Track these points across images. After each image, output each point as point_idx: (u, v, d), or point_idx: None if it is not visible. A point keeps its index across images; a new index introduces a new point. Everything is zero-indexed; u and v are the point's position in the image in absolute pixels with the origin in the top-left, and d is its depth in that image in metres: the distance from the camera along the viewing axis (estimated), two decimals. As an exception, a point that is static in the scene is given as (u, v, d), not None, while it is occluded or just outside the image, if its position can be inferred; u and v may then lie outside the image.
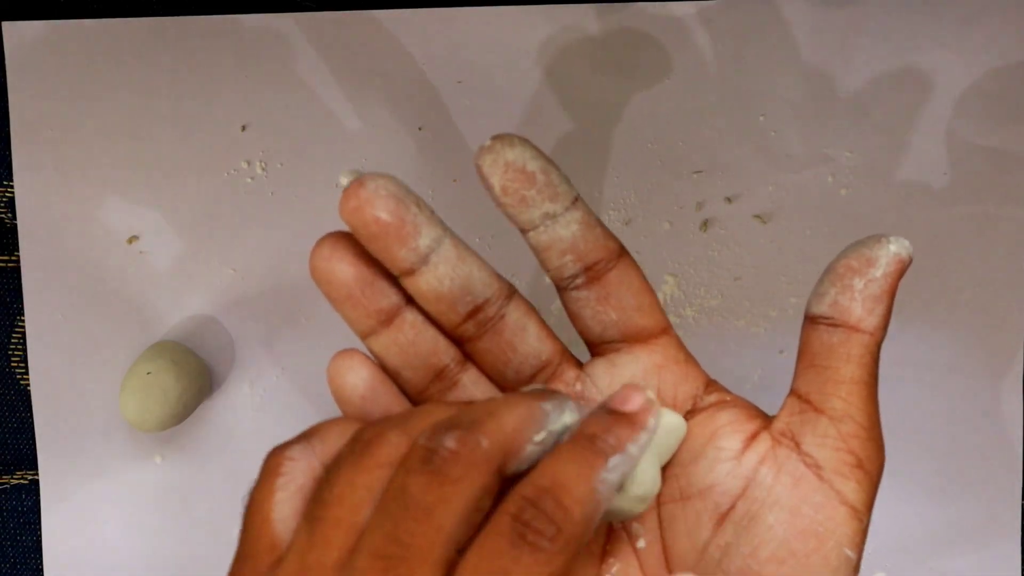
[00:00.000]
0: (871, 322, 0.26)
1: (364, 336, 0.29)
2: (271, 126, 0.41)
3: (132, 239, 0.41)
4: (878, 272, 0.26)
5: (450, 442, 0.22)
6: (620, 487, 0.25)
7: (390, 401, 0.29)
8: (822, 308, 0.27)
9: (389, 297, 0.28)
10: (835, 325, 0.26)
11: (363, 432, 0.24)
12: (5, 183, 0.41)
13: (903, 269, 0.27)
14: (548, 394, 0.25)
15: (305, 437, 0.25)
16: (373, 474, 0.23)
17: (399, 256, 0.27)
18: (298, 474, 0.24)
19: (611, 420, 0.25)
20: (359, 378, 0.28)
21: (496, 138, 0.26)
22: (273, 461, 0.25)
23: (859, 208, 0.41)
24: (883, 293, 0.26)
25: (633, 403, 0.25)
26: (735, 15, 0.40)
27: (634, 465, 0.25)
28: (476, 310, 0.28)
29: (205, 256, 0.41)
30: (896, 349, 0.42)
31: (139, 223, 0.41)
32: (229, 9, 0.40)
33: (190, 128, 0.40)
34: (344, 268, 0.27)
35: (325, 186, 0.41)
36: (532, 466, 0.24)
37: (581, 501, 0.23)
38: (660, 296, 0.41)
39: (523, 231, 0.28)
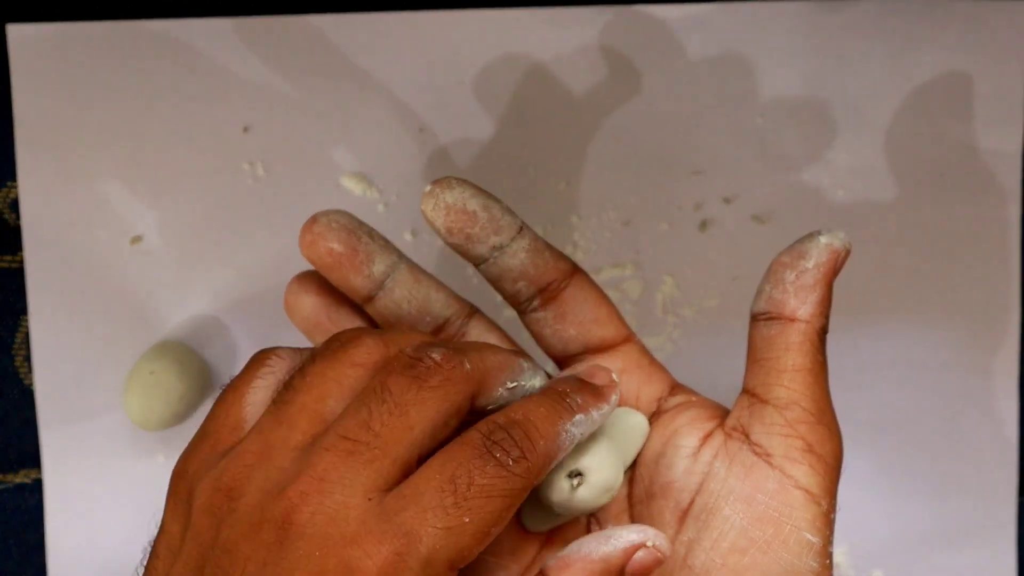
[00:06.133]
0: (806, 310, 0.27)
1: None
2: (273, 128, 0.41)
3: (135, 240, 0.41)
4: (809, 263, 0.27)
5: (436, 354, 0.24)
6: (580, 479, 0.26)
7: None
8: (760, 305, 0.28)
9: (354, 322, 0.30)
10: (772, 318, 0.27)
11: (341, 334, 0.26)
12: (9, 184, 0.41)
13: (838, 259, 0.27)
14: (525, 355, 0.27)
15: (296, 349, 0.27)
16: (345, 371, 0.24)
17: (356, 284, 0.28)
18: (281, 371, 0.26)
19: (579, 384, 0.26)
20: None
21: (435, 183, 0.28)
22: (261, 356, 0.26)
23: (856, 209, 0.42)
24: (815, 282, 0.27)
25: (599, 379, 0.27)
26: (733, 17, 0.41)
27: (594, 427, 0.26)
28: (437, 330, 0.30)
29: (208, 257, 0.41)
30: (892, 348, 0.42)
31: (142, 224, 0.41)
32: (231, 12, 0.40)
33: (193, 130, 0.41)
34: (310, 299, 0.30)
35: (326, 188, 0.41)
36: (499, 407, 0.25)
37: (546, 438, 0.24)
38: (659, 296, 0.42)
39: (475, 265, 0.29)
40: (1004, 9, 0.41)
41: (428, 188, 0.28)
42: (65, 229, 0.41)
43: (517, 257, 0.28)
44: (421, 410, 0.23)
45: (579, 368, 0.28)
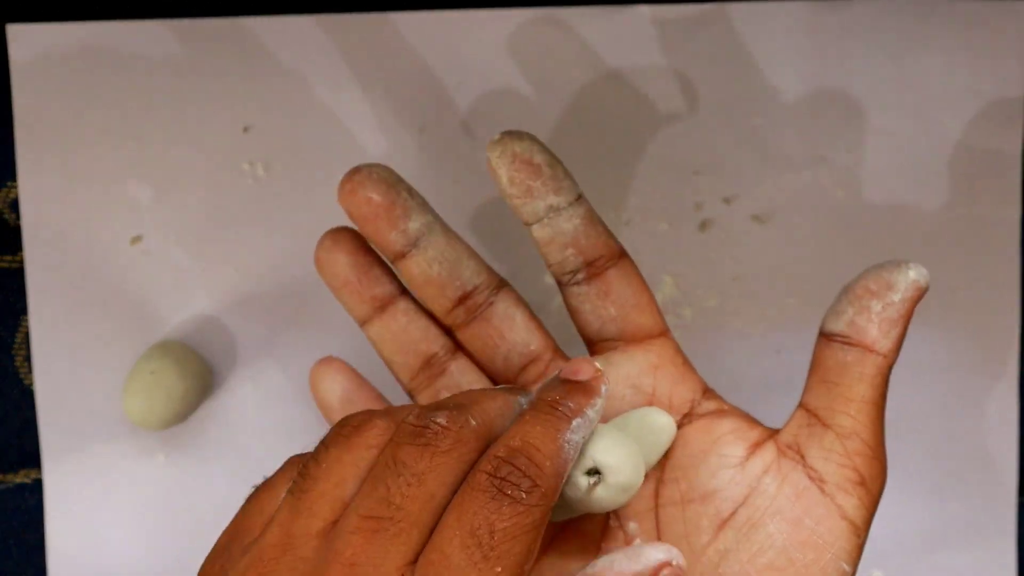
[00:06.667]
0: (886, 344, 0.27)
1: (362, 323, 0.30)
2: (273, 128, 0.41)
3: (135, 240, 0.41)
4: (896, 296, 0.26)
5: (440, 419, 0.24)
6: (584, 465, 0.26)
7: (368, 405, 0.31)
8: (839, 326, 0.27)
9: (383, 285, 0.30)
10: (850, 344, 0.27)
11: (351, 417, 0.25)
12: (9, 184, 0.41)
13: (919, 296, 0.27)
14: (520, 390, 0.27)
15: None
16: (360, 453, 0.24)
17: (390, 238, 0.29)
18: None
19: (567, 388, 0.26)
20: (337, 384, 0.30)
21: (505, 132, 0.28)
22: (297, 459, 0.26)
23: (856, 209, 0.42)
24: (900, 317, 0.27)
25: (584, 373, 0.26)
26: (733, 17, 0.41)
27: (594, 425, 0.26)
28: (465, 296, 0.29)
29: (208, 256, 0.41)
30: (893, 349, 0.42)
31: (142, 224, 0.41)
32: (232, 12, 0.40)
33: (193, 130, 0.41)
34: (343, 257, 0.30)
35: (327, 187, 0.41)
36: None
37: (551, 457, 0.24)
38: (659, 296, 0.42)
39: (527, 223, 0.28)
40: (1004, 9, 0.41)
41: (497, 137, 0.28)
42: (65, 229, 0.41)
43: (572, 222, 0.28)
44: (438, 476, 0.23)
45: (561, 369, 0.27)
